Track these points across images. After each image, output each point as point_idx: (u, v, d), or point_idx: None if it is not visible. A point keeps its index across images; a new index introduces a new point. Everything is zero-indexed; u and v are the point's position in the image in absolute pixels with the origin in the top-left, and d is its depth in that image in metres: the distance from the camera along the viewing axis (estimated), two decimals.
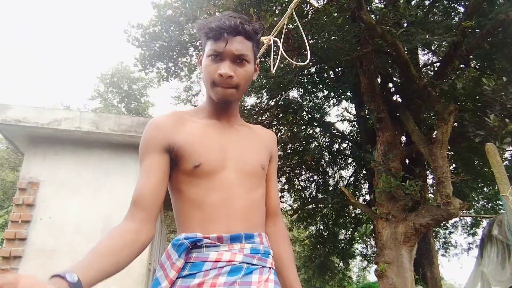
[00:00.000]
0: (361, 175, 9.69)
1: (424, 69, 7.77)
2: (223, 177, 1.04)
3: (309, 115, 9.02)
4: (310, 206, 9.25)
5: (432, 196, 6.57)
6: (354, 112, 9.47)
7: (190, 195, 1.03)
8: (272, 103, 7.96)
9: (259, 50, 1.16)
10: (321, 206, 8.88)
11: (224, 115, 1.15)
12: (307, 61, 1.65)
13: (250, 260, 1.00)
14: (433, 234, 8.60)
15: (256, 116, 7.60)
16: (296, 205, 9.15)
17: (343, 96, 9.22)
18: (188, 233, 1.00)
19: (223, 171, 1.05)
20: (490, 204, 9.49)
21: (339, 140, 9.74)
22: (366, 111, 6.36)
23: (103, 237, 0.95)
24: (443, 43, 5.75)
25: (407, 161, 6.83)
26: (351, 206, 8.70)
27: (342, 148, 9.90)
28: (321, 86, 8.89)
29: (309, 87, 8.80)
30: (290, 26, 4.71)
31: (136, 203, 0.98)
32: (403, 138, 7.42)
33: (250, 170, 1.09)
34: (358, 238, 11.26)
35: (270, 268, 1.05)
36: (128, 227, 0.95)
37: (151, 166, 1.02)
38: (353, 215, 9.83)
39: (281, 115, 7.69)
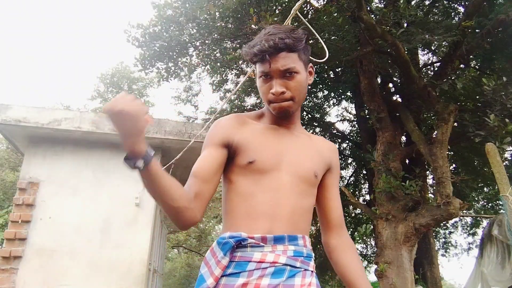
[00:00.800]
0: (361, 175, 9.69)
1: (424, 69, 7.77)
2: (275, 177, 1.07)
3: (309, 115, 9.02)
4: None
5: (432, 196, 6.57)
6: (354, 112, 9.47)
7: (240, 187, 1.07)
8: None
9: (308, 54, 1.16)
10: None
11: (284, 122, 1.17)
12: (325, 58, 1.68)
13: (293, 262, 1.00)
14: (433, 234, 8.60)
15: None
16: None
17: (343, 96, 9.22)
18: (233, 232, 1.02)
19: (276, 171, 1.07)
20: (490, 204, 9.49)
21: (339, 140, 9.73)
22: (366, 111, 6.37)
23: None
24: (443, 43, 5.75)
25: (407, 161, 6.84)
26: (351, 206, 8.70)
27: (342, 148, 9.90)
28: (321, 86, 8.89)
29: (309, 87, 8.80)
30: (296, 24, 4.71)
31: (189, 183, 1.05)
32: (403, 138, 7.43)
33: (303, 175, 1.10)
34: (358, 238, 11.25)
35: (312, 271, 1.05)
36: (188, 195, 1.00)
37: (206, 155, 1.10)
38: (353, 215, 9.82)
39: None
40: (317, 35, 1.77)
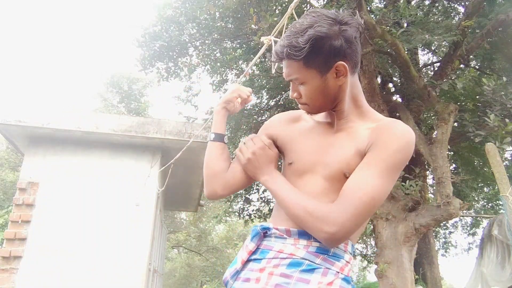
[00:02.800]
0: None
1: (424, 69, 7.77)
2: (309, 179, 1.07)
3: None
4: None
5: (432, 196, 6.57)
6: None
7: None
8: (272, 103, 7.96)
9: (322, 55, 1.00)
10: None
11: (333, 117, 1.13)
12: None
13: (312, 258, 0.99)
14: (433, 234, 8.59)
15: (256, 116, 7.60)
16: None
17: None
18: (264, 223, 1.10)
19: (311, 174, 1.08)
20: (490, 204, 9.49)
21: None
22: None
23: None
24: (443, 43, 5.75)
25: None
26: None
27: None
28: None
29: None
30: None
31: (231, 165, 1.24)
32: None
33: (333, 177, 1.04)
34: (358, 238, 11.26)
35: (338, 272, 0.99)
36: (227, 163, 1.23)
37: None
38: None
39: None
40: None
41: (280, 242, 1.03)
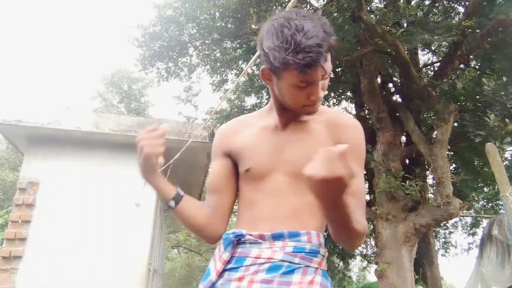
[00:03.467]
0: None
1: (424, 69, 7.78)
2: (272, 180, 1.06)
3: None
4: None
5: (432, 196, 6.57)
6: (354, 112, 9.46)
7: (245, 195, 1.11)
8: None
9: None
10: None
11: (288, 115, 1.09)
12: None
13: (290, 258, 0.98)
14: (433, 234, 8.60)
15: None
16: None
17: (343, 96, 9.22)
18: (236, 230, 1.06)
19: (273, 174, 1.06)
20: (490, 204, 9.49)
21: None
22: (366, 111, 6.36)
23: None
24: (443, 43, 5.75)
25: (407, 161, 6.83)
26: None
27: None
28: None
29: None
30: None
31: (206, 199, 1.17)
32: (403, 138, 7.42)
33: (299, 173, 0.97)
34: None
35: (317, 268, 1.00)
36: (206, 212, 1.13)
37: (213, 169, 1.17)
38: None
39: None
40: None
41: (256, 248, 1.01)
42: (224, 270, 1.01)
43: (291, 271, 0.96)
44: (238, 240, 1.03)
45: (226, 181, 1.14)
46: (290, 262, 0.97)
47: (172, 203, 1.07)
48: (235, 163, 1.14)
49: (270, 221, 1.03)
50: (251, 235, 1.02)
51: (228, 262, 1.02)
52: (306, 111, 1.04)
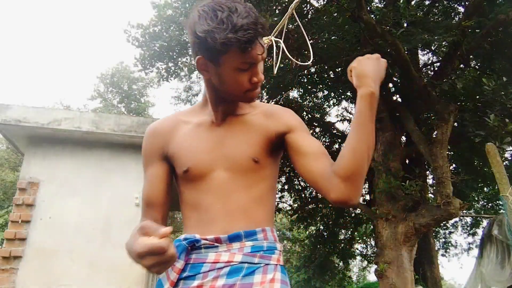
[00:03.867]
0: None
1: (424, 69, 7.77)
2: (213, 178, 1.01)
3: (309, 115, 9.02)
4: (310, 206, 9.26)
5: (432, 196, 6.57)
6: (354, 112, 9.47)
7: (187, 197, 1.04)
8: (272, 103, 7.97)
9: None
10: (321, 206, 8.89)
11: (224, 111, 1.07)
12: (310, 61, 1.63)
13: (250, 259, 0.95)
14: (433, 234, 8.60)
15: None
16: (296, 205, 9.16)
17: (343, 96, 9.22)
18: (188, 235, 0.99)
19: (213, 171, 1.01)
20: (490, 204, 9.49)
21: (339, 140, 9.73)
22: None
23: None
24: (443, 43, 5.75)
25: (407, 161, 6.84)
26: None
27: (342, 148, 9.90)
28: (321, 86, 8.89)
29: (309, 87, 8.79)
30: (290, 26, 4.71)
31: (143, 212, 1.08)
32: (403, 138, 7.42)
33: (241, 166, 1.01)
34: (358, 238, 11.26)
35: (276, 265, 0.98)
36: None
37: (150, 178, 1.08)
38: (353, 215, 9.82)
39: None
40: (306, 37, 1.75)
41: (213, 252, 0.95)
42: (178, 280, 0.95)
43: (251, 272, 0.94)
44: (192, 246, 0.97)
45: (166, 190, 1.06)
46: (250, 263, 0.95)
47: None
48: (171, 165, 1.07)
49: (222, 222, 0.98)
50: (206, 239, 0.96)
51: (183, 270, 0.95)
52: (248, 96, 1.00)
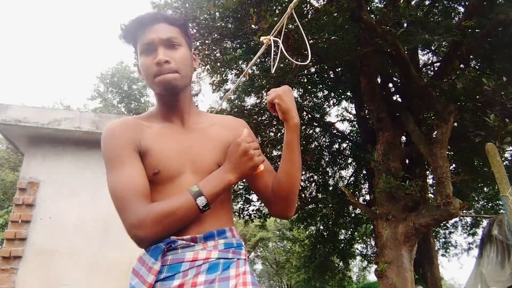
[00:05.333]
0: (361, 175, 9.69)
1: (424, 69, 7.78)
2: (182, 181, 1.04)
3: (309, 115, 9.02)
4: (310, 206, 9.26)
5: (432, 196, 6.57)
6: (354, 112, 9.47)
7: (155, 201, 1.03)
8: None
9: (190, 38, 1.17)
10: (321, 206, 8.89)
11: (177, 113, 1.13)
12: (308, 60, 1.63)
13: (225, 255, 1.02)
14: (433, 234, 8.60)
15: (256, 116, 7.60)
16: (296, 205, 9.14)
17: (343, 96, 9.23)
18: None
19: (182, 174, 1.05)
20: (490, 204, 9.49)
21: (339, 140, 9.73)
22: (366, 111, 6.37)
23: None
24: (443, 43, 5.75)
25: (407, 161, 6.84)
26: (351, 206, 8.71)
27: (342, 148, 9.90)
28: (321, 86, 8.89)
29: (309, 87, 8.80)
30: (290, 26, 4.71)
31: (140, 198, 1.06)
32: (403, 138, 7.43)
33: (207, 170, 1.07)
34: (358, 238, 11.26)
35: (245, 259, 1.07)
36: None
37: (136, 169, 1.03)
38: (353, 215, 9.83)
39: None
40: (305, 37, 1.76)
41: (190, 251, 0.99)
42: (156, 281, 0.96)
43: (227, 267, 1.01)
44: (168, 247, 0.98)
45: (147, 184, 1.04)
46: (225, 258, 1.01)
47: (206, 204, 1.01)
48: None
49: (194, 223, 1.00)
50: (182, 239, 0.99)
51: (159, 272, 0.96)
52: (157, 82, 1.05)
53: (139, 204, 0.99)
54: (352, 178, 9.89)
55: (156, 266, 0.96)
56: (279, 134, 7.82)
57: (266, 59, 6.90)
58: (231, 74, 7.58)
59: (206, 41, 5.97)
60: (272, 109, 1.13)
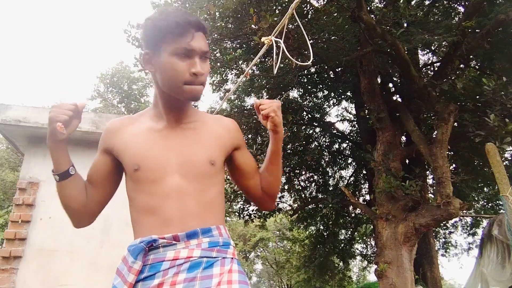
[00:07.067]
0: (361, 175, 9.69)
1: (424, 69, 7.77)
2: (169, 183, 1.03)
3: (309, 115, 9.01)
4: (310, 206, 9.25)
5: (432, 196, 6.57)
6: (354, 112, 9.47)
7: (140, 202, 1.05)
8: None
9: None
10: (321, 206, 8.88)
11: (175, 114, 1.11)
12: (309, 61, 1.64)
13: (208, 253, 0.99)
14: (433, 234, 8.60)
15: (256, 116, 7.59)
16: (296, 205, 9.15)
17: (343, 96, 9.22)
18: (143, 237, 1.00)
19: (168, 176, 1.04)
20: (490, 204, 9.49)
21: (339, 140, 9.73)
22: (366, 111, 6.37)
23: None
24: (443, 43, 5.75)
25: (407, 161, 6.84)
26: (351, 206, 8.70)
27: (342, 148, 9.90)
28: (321, 86, 8.89)
29: (309, 87, 8.79)
30: (290, 26, 4.71)
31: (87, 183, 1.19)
32: (403, 138, 7.42)
33: (197, 171, 1.06)
34: (358, 238, 11.25)
35: (232, 258, 1.04)
36: (85, 193, 1.18)
37: (94, 162, 1.16)
38: (353, 215, 9.82)
39: None
40: (306, 37, 1.76)
41: (171, 250, 0.97)
42: (137, 282, 0.96)
43: (210, 265, 0.98)
44: (150, 247, 0.98)
45: (103, 176, 1.14)
46: (209, 257, 0.99)
47: (57, 177, 1.09)
48: (118, 162, 1.11)
49: (177, 222, 1.00)
50: (163, 238, 0.98)
51: (141, 272, 0.96)
52: (188, 90, 1.03)
53: None
54: (352, 178, 9.89)
55: (136, 265, 0.95)
56: (285, 134, 7.81)
57: (266, 59, 6.90)
58: (231, 74, 7.58)
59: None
60: (264, 119, 1.14)
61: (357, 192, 9.62)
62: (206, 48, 1.05)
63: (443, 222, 8.88)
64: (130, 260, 0.96)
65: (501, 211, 6.51)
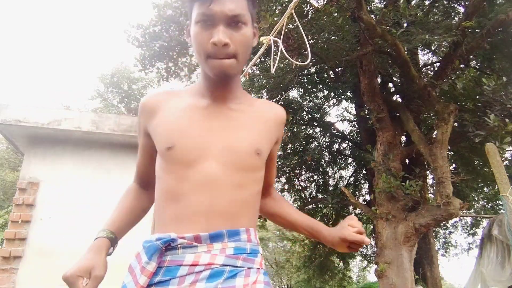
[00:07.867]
0: (361, 175, 9.69)
1: (424, 69, 7.77)
2: (203, 169, 0.89)
3: (309, 115, 9.02)
4: (310, 206, 9.25)
5: (432, 196, 6.57)
6: (354, 112, 9.48)
7: (167, 185, 0.92)
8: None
9: (255, 10, 0.99)
10: (321, 206, 8.88)
11: (220, 92, 0.96)
12: (308, 61, 1.63)
13: (233, 262, 0.87)
14: (433, 234, 8.60)
15: None
16: (296, 205, 9.15)
17: (343, 96, 9.22)
18: (161, 234, 0.88)
19: (205, 161, 0.89)
20: (490, 204, 9.49)
21: (339, 140, 9.73)
22: (366, 111, 6.37)
23: (121, 197, 1.14)
24: (443, 43, 5.75)
25: (407, 161, 6.83)
26: (351, 206, 8.70)
27: (342, 148, 9.90)
28: (321, 86, 8.89)
29: (309, 87, 8.80)
30: (290, 26, 4.71)
31: (136, 177, 1.14)
32: (403, 138, 7.42)
33: (238, 161, 0.91)
34: None
35: (258, 268, 0.91)
36: (136, 193, 1.13)
37: (139, 153, 1.09)
38: (353, 215, 9.81)
39: None
40: (305, 37, 1.75)
41: (191, 253, 0.85)
42: (149, 285, 0.84)
43: (234, 275, 0.86)
44: (167, 246, 0.86)
45: (150, 163, 1.02)
46: (233, 266, 0.86)
47: (111, 250, 1.06)
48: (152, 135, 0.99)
49: (203, 218, 0.87)
50: (183, 238, 0.85)
51: (155, 274, 0.85)
52: (211, 66, 0.88)
53: (133, 179, 1.17)
54: (352, 178, 9.89)
55: (149, 266, 0.84)
56: (283, 134, 7.81)
57: (266, 59, 6.90)
58: None
59: None
60: (349, 247, 1.04)
61: (357, 192, 9.63)
62: (235, 11, 0.87)
63: (443, 222, 8.88)
64: (144, 259, 0.86)
65: (501, 211, 6.51)
